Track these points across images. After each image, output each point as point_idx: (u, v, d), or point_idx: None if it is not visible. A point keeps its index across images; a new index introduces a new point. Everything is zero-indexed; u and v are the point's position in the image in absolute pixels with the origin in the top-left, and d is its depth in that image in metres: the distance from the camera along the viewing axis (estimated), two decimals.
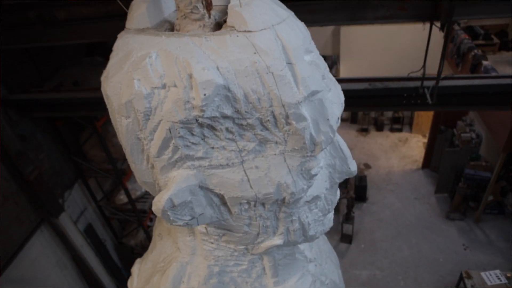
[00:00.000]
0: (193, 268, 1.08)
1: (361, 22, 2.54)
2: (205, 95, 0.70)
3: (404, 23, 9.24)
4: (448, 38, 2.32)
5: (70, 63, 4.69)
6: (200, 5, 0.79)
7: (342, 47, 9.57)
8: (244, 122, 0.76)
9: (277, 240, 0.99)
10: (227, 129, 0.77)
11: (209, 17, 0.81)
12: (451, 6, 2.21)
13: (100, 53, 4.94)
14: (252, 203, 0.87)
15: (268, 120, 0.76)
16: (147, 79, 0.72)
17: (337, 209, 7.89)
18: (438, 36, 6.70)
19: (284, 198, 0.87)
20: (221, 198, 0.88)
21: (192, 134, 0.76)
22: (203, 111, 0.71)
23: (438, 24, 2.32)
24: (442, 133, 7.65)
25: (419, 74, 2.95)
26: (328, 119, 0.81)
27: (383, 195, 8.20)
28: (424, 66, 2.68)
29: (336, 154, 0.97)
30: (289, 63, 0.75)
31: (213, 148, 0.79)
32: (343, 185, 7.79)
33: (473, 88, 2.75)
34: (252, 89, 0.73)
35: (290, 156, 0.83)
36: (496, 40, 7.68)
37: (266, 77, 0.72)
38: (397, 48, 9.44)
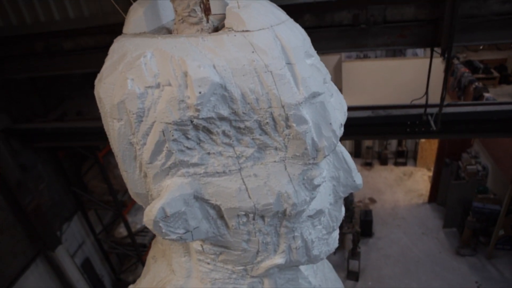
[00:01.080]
0: None
1: (362, 49, 2.57)
2: (200, 93, 0.66)
3: (405, 54, 9.42)
4: (449, 63, 2.32)
5: (75, 95, 4.75)
6: (198, 8, 0.77)
7: (344, 81, 9.73)
8: (241, 125, 0.72)
9: (279, 259, 0.91)
10: (223, 132, 0.73)
11: (207, 21, 0.80)
12: (451, 33, 2.23)
13: None
14: (251, 215, 0.81)
15: (267, 122, 0.72)
16: (141, 78, 0.69)
17: (342, 245, 7.65)
18: (438, 69, 6.80)
19: (285, 210, 0.81)
20: (218, 210, 0.82)
21: (187, 138, 0.72)
22: (198, 110, 0.68)
23: (439, 50, 2.34)
24: (447, 166, 7.55)
25: (422, 103, 2.94)
26: (330, 123, 0.77)
27: (389, 230, 7.97)
28: (426, 92, 2.67)
29: (340, 166, 0.92)
30: (288, 63, 0.72)
31: (209, 153, 0.75)
32: (348, 220, 7.59)
33: (477, 114, 2.73)
34: (250, 89, 0.69)
35: (291, 163, 0.78)
36: (496, 74, 7.78)
37: (264, 76, 0.69)
38: (398, 82, 9.58)
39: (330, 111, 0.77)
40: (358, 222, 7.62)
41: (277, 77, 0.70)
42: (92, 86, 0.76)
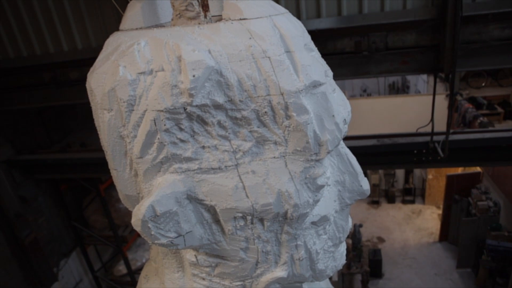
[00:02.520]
0: None
1: (365, 76, 2.58)
2: (194, 76, 0.63)
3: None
4: (453, 88, 2.31)
5: (80, 128, 4.79)
6: (195, 2, 0.76)
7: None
8: (238, 115, 0.68)
9: (280, 272, 0.83)
10: (219, 123, 0.68)
11: (205, 16, 0.78)
12: (454, 58, 2.24)
13: None
14: (249, 218, 0.75)
15: (265, 112, 0.68)
16: (133, 65, 0.66)
17: (351, 286, 7.28)
18: (442, 105, 6.76)
19: (286, 213, 0.75)
20: (213, 213, 0.76)
21: (180, 129, 0.68)
22: (192, 96, 0.64)
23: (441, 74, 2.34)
24: (456, 202, 7.34)
25: (428, 131, 2.90)
26: (333, 116, 0.72)
27: (400, 271, 7.60)
28: (432, 119, 2.64)
29: (345, 169, 0.86)
30: (288, 52, 0.69)
31: (203, 147, 0.70)
32: (357, 259, 7.29)
33: (486, 141, 2.67)
34: (247, 75, 0.66)
35: (292, 160, 0.73)
36: (500, 109, 7.78)
37: (262, 62, 0.66)
38: (402, 119, 9.62)
39: (332, 102, 0.73)
40: (367, 262, 7.31)
41: (275, 63, 0.67)
42: None
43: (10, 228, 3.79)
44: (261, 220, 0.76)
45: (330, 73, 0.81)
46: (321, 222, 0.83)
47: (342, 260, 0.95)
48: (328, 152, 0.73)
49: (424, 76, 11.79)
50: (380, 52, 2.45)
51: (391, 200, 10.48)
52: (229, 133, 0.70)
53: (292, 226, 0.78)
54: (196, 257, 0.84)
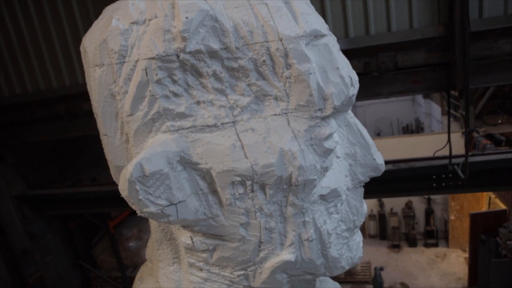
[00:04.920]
0: None
1: (376, 97, 2.54)
2: (187, 18, 0.60)
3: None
4: (468, 104, 2.24)
5: (92, 166, 4.82)
6: None
7: None
8: (235, 65, 0.64)
9: (287, 255, 0.74)
10: (215, 74, 0.64)
11: None
12: (465, 75, 2.20)
13: None
14: (249, 183, 0.67)
15: (264, 61, 0.64)
16: (127, 16, 0.65)
17: None
18: (459, 144, 6.62)
19: (290, 177, 0.67)
20: (209, 182, 0.69)
21: (173, 81, 0.64)
22: (185, 39, 0.60)
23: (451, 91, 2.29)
24: (484, 243, 6.89)
25: (445, 154, 2.79)
26: (338, 68, 0.67)
27: None
28: (449, 140, 2.54)
29: (356, 141, 0.79)
30: (286, 3, 0.66)
31: (198, 102, 0.65)
32: None
33: (510, 162, 2.53)
34: (243, 20, 0.63)
35: (294, 117, 0.67)
36: None
37: (259, 8, 0.64)
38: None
39: (336, 55, 0.68)
40: None
41: (273, 9, 0.64)
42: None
43: (16, 265, 3.68)
44: (263, 188, 0.68)
45: (334, 36, 0.78)
46: (331, 196, 0.74)
47: (359, 252, 0.85)
48: (334, 108, 0.67)
49: (438, 116, 11.74)
50: (390, 72, 2.44)
51: (412, 243, 9.99)
52: (225, 87, 0.65)
53: (298, 197, 0.70)
54: (192, 239, 0.75)
